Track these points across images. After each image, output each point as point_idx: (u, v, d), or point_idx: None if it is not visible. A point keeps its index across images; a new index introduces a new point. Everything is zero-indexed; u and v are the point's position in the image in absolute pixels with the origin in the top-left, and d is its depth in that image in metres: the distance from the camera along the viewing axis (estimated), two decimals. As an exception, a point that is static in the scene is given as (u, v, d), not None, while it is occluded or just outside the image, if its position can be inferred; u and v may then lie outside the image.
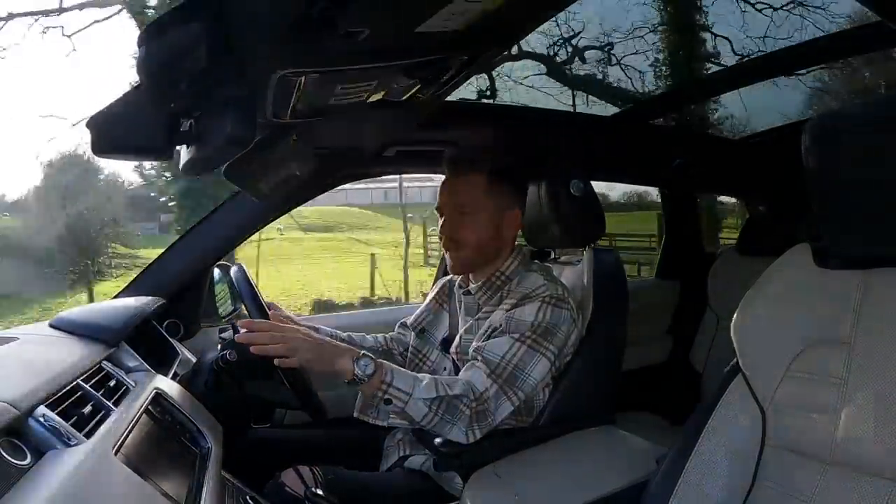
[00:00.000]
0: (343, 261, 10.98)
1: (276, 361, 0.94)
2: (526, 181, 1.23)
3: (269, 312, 1.06)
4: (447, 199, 1.15)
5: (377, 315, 1.87)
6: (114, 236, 10.07)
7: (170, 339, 1.27)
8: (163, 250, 1.40)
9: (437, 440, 1.04)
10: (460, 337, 1.17)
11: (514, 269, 1.17)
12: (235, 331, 1.05)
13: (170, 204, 8.67)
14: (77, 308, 1.08)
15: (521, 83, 7.43)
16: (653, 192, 5.34)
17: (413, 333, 1.31)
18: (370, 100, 0.83)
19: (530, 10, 0.72)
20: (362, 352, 0.96)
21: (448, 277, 1.32)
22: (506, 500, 0.93)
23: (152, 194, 10.53)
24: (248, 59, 0.65)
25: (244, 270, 1.08)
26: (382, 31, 0.62)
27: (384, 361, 0.98)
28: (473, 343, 1.09)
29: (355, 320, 1.79)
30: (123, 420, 0.73)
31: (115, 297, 1.32)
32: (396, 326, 1.37)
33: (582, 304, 1.18)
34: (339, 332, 1.27)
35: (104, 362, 0.88)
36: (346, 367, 0.94)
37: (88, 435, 0.65)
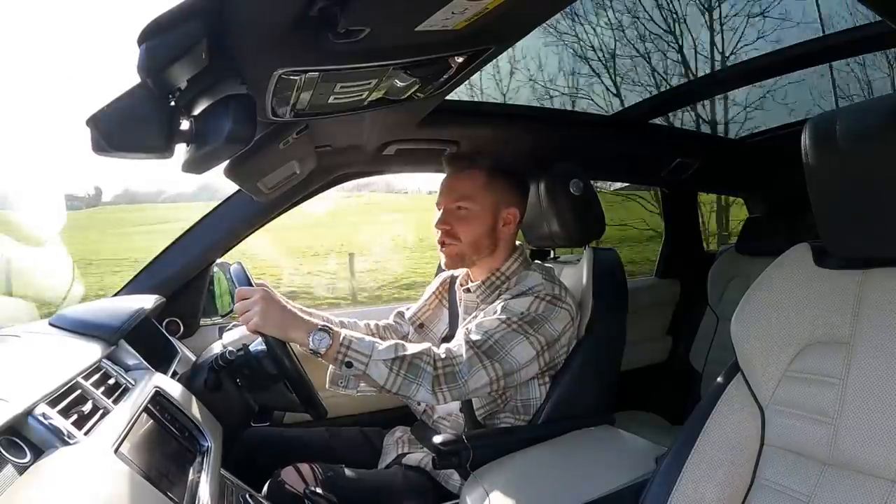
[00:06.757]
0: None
1: (239, 319, 0.96)
2: (526, 181, 1.23)
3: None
4: (446, 195, 1.16)
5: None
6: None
7: (169, 338, 1.28)
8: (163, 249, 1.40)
9: (436, 438, 1.04)
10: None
11: (514, 269, 1.17)
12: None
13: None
14: (77, 306, 1.08)
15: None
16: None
17: (411, 327, 1.31)
18: (370, 99, 0.83)
19: (531, 9, 0.71)
20: (321, 325, 0.95)
21: (449, 273, 1.31)
22: (505, 498, 0.93)
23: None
24: (248, 59, 0.65)
25: (243, 268, 1.08)
26: (382, 30, 0.62)
27: (345, 330, 0.98)
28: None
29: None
30: (123, 418, 0.73)
31: (115, 295, 1.32)
32: (392, 315, 1.37)
33: (582, 304, 1.18)
34: (332, 317, 1.27)
35: (104, 361, 0.88)
36: (300, 339, 0.94)
37: (88, 433, 0.65)
